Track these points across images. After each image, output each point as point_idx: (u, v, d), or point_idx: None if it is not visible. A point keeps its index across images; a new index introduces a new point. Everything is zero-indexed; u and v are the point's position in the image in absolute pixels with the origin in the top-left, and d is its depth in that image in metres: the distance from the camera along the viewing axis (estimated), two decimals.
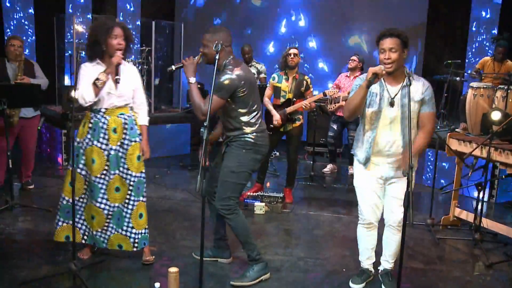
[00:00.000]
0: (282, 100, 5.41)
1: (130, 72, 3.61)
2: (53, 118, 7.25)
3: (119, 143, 3.53)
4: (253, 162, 3.52)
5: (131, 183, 3.58)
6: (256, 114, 3.50)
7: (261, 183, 5.70)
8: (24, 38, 8.25)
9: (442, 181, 6.24)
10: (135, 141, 3.58)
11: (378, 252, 3.61)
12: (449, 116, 7.41)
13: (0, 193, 5.25)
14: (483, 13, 8.37)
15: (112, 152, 3.52)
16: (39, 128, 5.54)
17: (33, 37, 8.42)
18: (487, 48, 8.15)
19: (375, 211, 3.44)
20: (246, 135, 3.45)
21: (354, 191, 3.52)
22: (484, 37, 8.31)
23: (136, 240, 3.64)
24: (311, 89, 5.49)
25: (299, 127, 5.49)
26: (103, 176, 3.54)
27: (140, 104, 3.68)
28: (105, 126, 3.50)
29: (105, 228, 3.63)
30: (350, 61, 6.85)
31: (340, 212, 5.34)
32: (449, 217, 4.92)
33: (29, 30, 8.29)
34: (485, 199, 5.47)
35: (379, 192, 3.38)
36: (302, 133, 5.63)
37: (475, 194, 4.61)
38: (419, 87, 3.21)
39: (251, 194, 5.37)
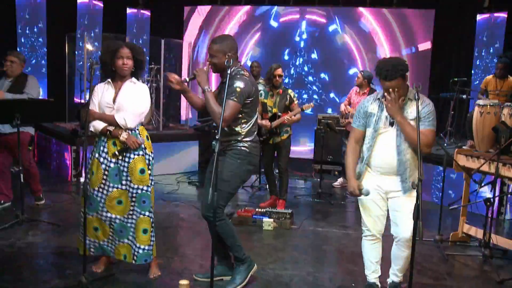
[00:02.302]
0: (269, 114, 5.74)
1: (133, 90, 3.62)
2: (62, 134, 7.34)
3: (120, 156, 3.56)
4: (246, 172, 3.58)
5: (134, 195, 3.58)
6: (255, 124, 3.58)
7: (275, 195, 5.96)
8: (36, 55, 8.42)
9: (451, 192, 6.24)
10: (138, 155, 3.58)
11: (386, 265, 3.61)
12: (456, 133, 7.43)
13: (11, 207, 5.34)
14: (489, 30, 8.48)
15: (112, 165, 3.56)
16: (29, 148, 5.41)
17: (45, 55, 8.58)
18: (491, 65, 8.23)
19: (377, 223, 3.45)
20: (241, 143, 3.49)
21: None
22: (490, 54, 8.39)
23: (136, 254, 3.62)
24: (295, 102, 5.81)
25: (287, 139, 5.83)
26: (100, 190, 3.59)
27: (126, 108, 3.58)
28: (105, 139, 3.58)
29: (110, 238, 3.66)
30: (356, 78, 7.00)
31: (348, 228, 5.34)
32: (457, 233, 4.90)
33: (41, 48, 8.45)
34: (494, 215, 5.47)
35: (380, 203, 3.40)
36: (290, 144, 5.94)
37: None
38: (415, 106, 3.19)
39: (264, 207, 5.59)
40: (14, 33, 8.21)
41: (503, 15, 8.31)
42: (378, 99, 3.34)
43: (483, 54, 8.58)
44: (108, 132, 3.53)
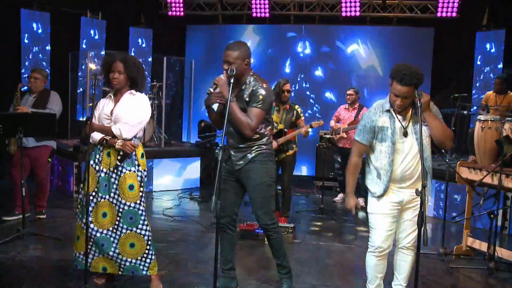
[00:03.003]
0: (274, 130, 5.60)
1: (131, 101, 3.63)
2: (64, 151, 7.35)
3: (111, 168, 3.56)
4: (275, 171, 3.65)
5: (121, 210, 3.55)
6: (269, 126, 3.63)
7: (277, 210, 5.84)
8: None
9: (454, 214, 6.21)
10: (130, 170, 3.56)
11: (389, 278, 3.56)
12: (457, 149, 7.43)
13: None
14: (488, 47, 8.55)
15: (102, 175, 3.57)
16: (49, 160, 5.58)
17: (48, 73, 8.63)
18: (491, 81, 8.27)
19: (389, 238, 3.35)
20: (265, 146, 3.53)
21: (364, 223, 3.50)
22: (490, 71, 8.46)
23: (122, 265, 3.60)
24: (302, 118, 5.75)
25: (292, 155, 5.75)
26: (91, 197, 3.58)
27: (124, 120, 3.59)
28: (101, 148, 3.61)
29: (88, 250, 3.60)
30: (348, 96, 7.04)
31: (351, 242, 5.31)
32: (461, 246, 4.86)
33: (45, 65, 8.52)
34: (498, 229, 5.42)
35: (394, 218, 3.33)
36: (295, 161, 5.86)
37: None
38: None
39: None
40: (18, 51, 8.29)
41: (502, 32, 8.39)
42: (388, 110, 3.23)
43: (483, 70, 8.64)
44: (104, 141, 3.55)
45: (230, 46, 3.45)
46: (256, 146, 3.50)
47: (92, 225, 3.57)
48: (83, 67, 8.63)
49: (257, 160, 3.50)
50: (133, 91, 3.67)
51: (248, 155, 3.50)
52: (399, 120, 3.22)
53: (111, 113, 3.61)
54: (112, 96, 3.68)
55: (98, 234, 3.57)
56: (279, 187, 6.07)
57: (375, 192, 3.34)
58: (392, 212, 3.30)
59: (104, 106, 3.67)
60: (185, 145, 9.00)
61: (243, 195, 3.72)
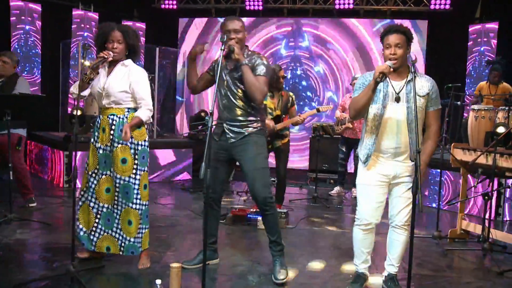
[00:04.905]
0: (270, 117, 5.38)
1: (127, 73, 3.51)
2: (55, 141, 7.27)
3: (108, 143, 3.51)
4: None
5: (117, 185, 3.51)
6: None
7: None
8: (31, 64, 8.41)
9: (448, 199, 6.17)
10: (121, 144, 3.47)
11: (381, 257, 3.50)
12: (451, 140, 7.40)
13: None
14: (481, 40, 8.57)
15: (101, 151, 3.54)
16: (18, 148, 5.27)
17: (40, 65, 8.56)
18: (484, 73, 8.29)
19: (376, 211, 3.28)
20: (261, 122, 3.54)
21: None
22: (483, 63, 8.46)
23: (123, 245, 3.57)
24: (295, 106, 5.66)
25: (287, 143, 5.63)
26: (94, 175, 3.58)
27: (140, 100, 3.52)
28: (98, 125, 3.57)
29: (94, 229, 3.59)
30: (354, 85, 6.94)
31: (345, 228, 5.24)
32: (456, 230, 4.82)
33: (36, 56, 8.44)
34: (492, 217, 5.39)
35: (383, 190, 3.27)
36: (289, 148, 5.75)
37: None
38: (424, 82, 3.18)
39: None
40: (8, 43, 8.20)
41: (495, 25, 8.41)
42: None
43: (476, 62, 8.65)
44: (84, 77, 3.42)
45: (231, 17, 3.48)
46: (254, 121, 3.50)
47: (98, 201, 3.57)
48: (74, 62, 8.56)
49: (253, 134, 3.49)
50: (125, 61, 3.55)
51: (245, 130, 3.48)
52: (392, 86, 3.18)
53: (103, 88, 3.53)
54: (107, 68, 3.55)
55: (104, 210, 3.59)
56: (273, 178, 5.96)
57: (361, 157, 3.30)
58: (380, 184, 3.24)
59: (100, 78, 3.53)
60: (178, 137, 8.92)
61: (231, 173, 3.68)
